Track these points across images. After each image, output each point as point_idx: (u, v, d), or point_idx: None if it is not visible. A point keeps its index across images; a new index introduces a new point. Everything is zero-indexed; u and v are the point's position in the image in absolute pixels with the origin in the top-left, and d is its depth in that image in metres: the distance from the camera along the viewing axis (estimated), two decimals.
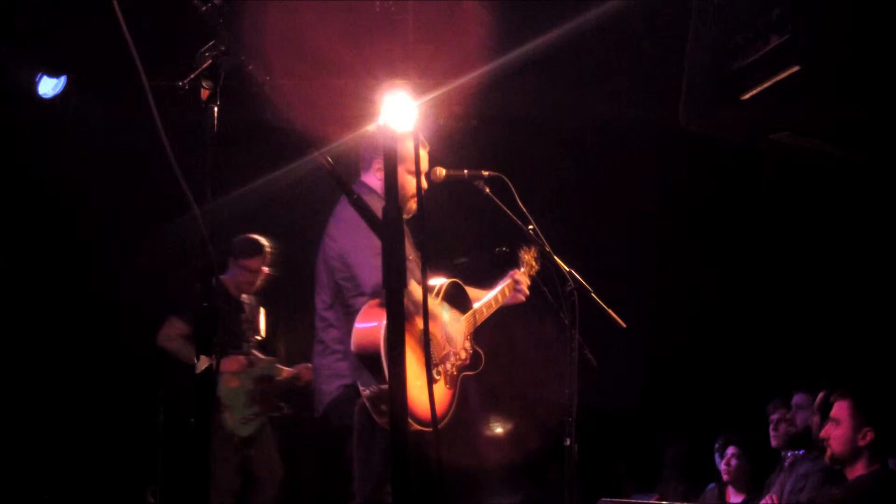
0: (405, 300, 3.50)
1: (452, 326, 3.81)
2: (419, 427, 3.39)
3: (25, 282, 6.42)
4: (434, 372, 3.74)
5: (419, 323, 3.70)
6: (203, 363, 2.13)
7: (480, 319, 4.03)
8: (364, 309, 3.52)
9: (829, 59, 2.86)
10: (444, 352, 3.80)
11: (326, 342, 3.72)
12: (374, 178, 3.76)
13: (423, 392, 3.51)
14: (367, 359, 3.44)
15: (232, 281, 5.81)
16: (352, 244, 3.59)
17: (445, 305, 3.85)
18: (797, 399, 5.55)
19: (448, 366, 3.81)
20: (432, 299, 3.78)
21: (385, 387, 3.38)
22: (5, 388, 6.22)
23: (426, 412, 3.62)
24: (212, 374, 2.18)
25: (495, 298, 4.10)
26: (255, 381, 5.63)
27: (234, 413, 5.49)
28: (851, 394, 3.99)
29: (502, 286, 4.14)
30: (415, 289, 3.61)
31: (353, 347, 3.50)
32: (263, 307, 6.12)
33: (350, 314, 3.62)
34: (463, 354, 3.91)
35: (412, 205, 3.76)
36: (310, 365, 5.82)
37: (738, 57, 3.00)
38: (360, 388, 3.48)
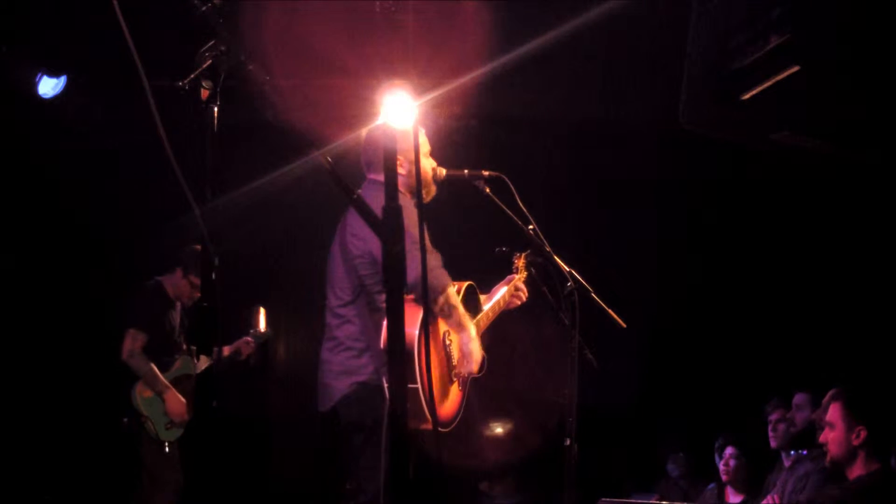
0: (443, 302, 3.54)
1: (475, 344, 3.79)
2: (436, 427, 3.41)
3: (25, 282, 6.43)
4: (451, 374, 3.76)
5: (442, 326, 3.72)
6: (203, 363, 2.13)
7: (484, 326, 4.05)
8: None
9: (829, 59, 2.86)
10: (457, 361, 3.83)
11: (340, 339, 3.70)
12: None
13: (443, 392, 3.61)
14: None
15: (173, 288, 5.79)
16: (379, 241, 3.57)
17: (471, 322, 3.79)
18: (797, 399, 5.55)
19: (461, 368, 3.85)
20: (464, 314, 3.73)
21: (413, 385, 3.39)
22: (6, 388, 6.22)
23: (446, 412, 3.65)
24: (212, 373, 2.19)
25: (497, 304, 4.12)
26: (156, 392, 5.62)
27: (156, 422, 5.52)
28: (841, 395, 3.99)
29: (503, 292, 4.15)
30: (453, 295, 3.66)
31: (383, 345, 3.49)
32: (263, 307, 6.12)
33: (376, 310, 3.60)
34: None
35: (434, 189, 3.89)
36: (249, 339, 5.87)
37: (738, 57, 2.99)
38: (386, 384, 3.47)
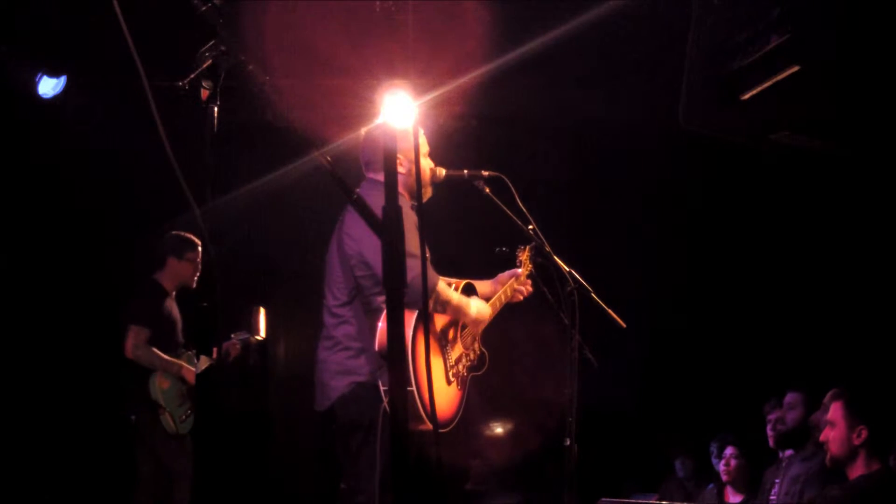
0: (434, 301, 3.54)
1: (483, 305, 3.87)
2: (436, 429, 3.40)
3: (25, 282, 6.42)
4: (450, 374, 3.75)
5: (438, 323, 3.72)
6: (203, 363, 2.13)
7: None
8: None
9: (829, 59, 2.86)
10: (459, 353, 3.83)
11: (337, 338, 3.69)
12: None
13: (440, 393, 3.60)
14: None
15: (171, 279, 5.79)
16: (373, 242, 3.57)
17: (470, 299, 3.88)
18: (789, 398, 5.54)
19: (460, 367, 3.84)
20: (460, 298, 3.80)
21: (409, 388, 3.38)
22: (5, 388, 6.22)
23: (443, 413, 3.65)
24: (213, 373, 2.19)
25: (499, 299, 4.12)
26: (183, 378, 5.64)
27: (173, 414, 5.52)
28: (842, 394, 3.99)
29: (505, 287, 4.16)
30: (443, 289, 3.65)
31: (377, 346, 3.49)
32: (263, 307, 6.12)
33: (370, 311, 3.61)
34: (472, 355, 3.94)
35: (430, 189, 3.90)
36: (235, 342, 5.86)
37: (738, 57, 3.00)
38: (383, 387, 3.47)
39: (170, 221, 5.69)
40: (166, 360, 5.56)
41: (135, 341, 5.52)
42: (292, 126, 2.20)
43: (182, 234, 5.78)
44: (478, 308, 3.88)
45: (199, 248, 5.77)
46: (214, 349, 2.28)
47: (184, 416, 5.59)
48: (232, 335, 5.91)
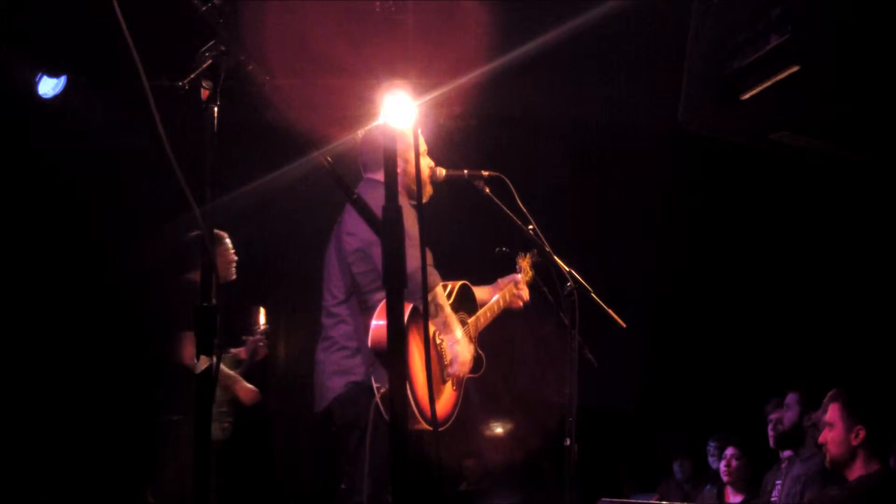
0: (430, 301, 3.54)
1: (462, 346, 3.80)
2: (427, 426, 3.40)
3: (25, 282, 6.42)
4: (444, 374, 3.75)
5: (432, 326, 3.71)
6: (203, 363, 2.13)
7: (483, 325, 4.05)
8: (382, 305, 3.51)
9: (829, 59, 2.86)
10: (449, 360, 3.82)
11: (334, 338, 3.70)
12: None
13: (433, 392, 3.58)
14: (384, 356, 3.43)
15: None
16: (374, 238, 3.57)
17: (458, 324, 3.82)
18: (787, 399, 5.55)
19: (456, 367, 3.84)
20: (451, 315, 3.77)
21: None
22: (5, 388, 6.22)
23: (438, 413, 3.65)
24: (213, 374, 2.19)
25: (497, 303, 4.11)
26: (222, 387, 5.59)
27: (219, 421, 5.46)
28: (841, 395, 3.99)
29: (503, 291, 4.15)
30: (440, 294, 3.68)
31: (370, 343, 3.49)
32: (263, 307, 6.11)
33: (366, 309, 3.61)
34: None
35: (430, 189, 3.89)
36: (260, 337, 5.82)
37: (738, 57, 2.99)
38: (375, 384, 3.47)
39: (170, 222, 5.68)
40: (224, 373, 5.45)
41: (192, 350, 5.37)
42: (292, 126, 2.20)
43: (199, 233, 5.67)
44: (459, 339, 3.78)
45: (227, 240, 5.69)
46: (215, 351, 2.27)
47: (226, 424, 5.55)
48: (258, 329, 5.87)
